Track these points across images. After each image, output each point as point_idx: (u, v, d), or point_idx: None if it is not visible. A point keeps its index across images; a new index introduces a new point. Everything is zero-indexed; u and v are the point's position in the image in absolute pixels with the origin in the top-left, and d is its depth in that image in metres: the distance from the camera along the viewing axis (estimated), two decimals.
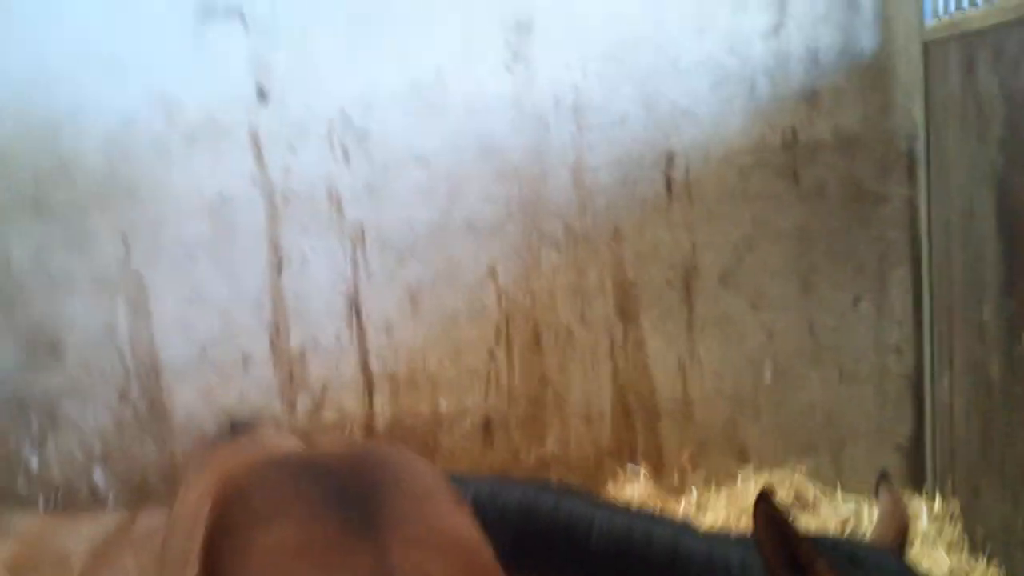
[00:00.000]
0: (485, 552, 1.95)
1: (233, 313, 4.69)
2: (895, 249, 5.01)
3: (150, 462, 4.63)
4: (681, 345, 5.06)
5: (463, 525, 1.97)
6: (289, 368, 4.73)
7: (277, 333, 4.72)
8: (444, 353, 4.90)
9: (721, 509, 4.77)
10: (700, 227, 5.00)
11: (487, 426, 4.94)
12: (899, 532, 3.09)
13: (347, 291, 4.77)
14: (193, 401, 4.69)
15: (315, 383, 4.77)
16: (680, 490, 5.08)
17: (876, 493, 3.25)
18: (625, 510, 3.42)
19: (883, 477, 3.30)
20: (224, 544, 1.89)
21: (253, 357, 4.73)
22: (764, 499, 2.72)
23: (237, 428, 2.56)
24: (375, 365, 4.84)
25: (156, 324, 4.63)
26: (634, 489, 4.85)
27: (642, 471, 5.05)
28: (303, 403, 4.76)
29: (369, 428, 4.81)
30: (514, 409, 4.97)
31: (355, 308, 4.78)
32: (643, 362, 5.04)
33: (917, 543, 4.45)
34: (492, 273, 4.89)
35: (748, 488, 4.94)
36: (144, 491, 4.57)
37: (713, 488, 5.09)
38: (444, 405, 4.90)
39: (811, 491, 4.94)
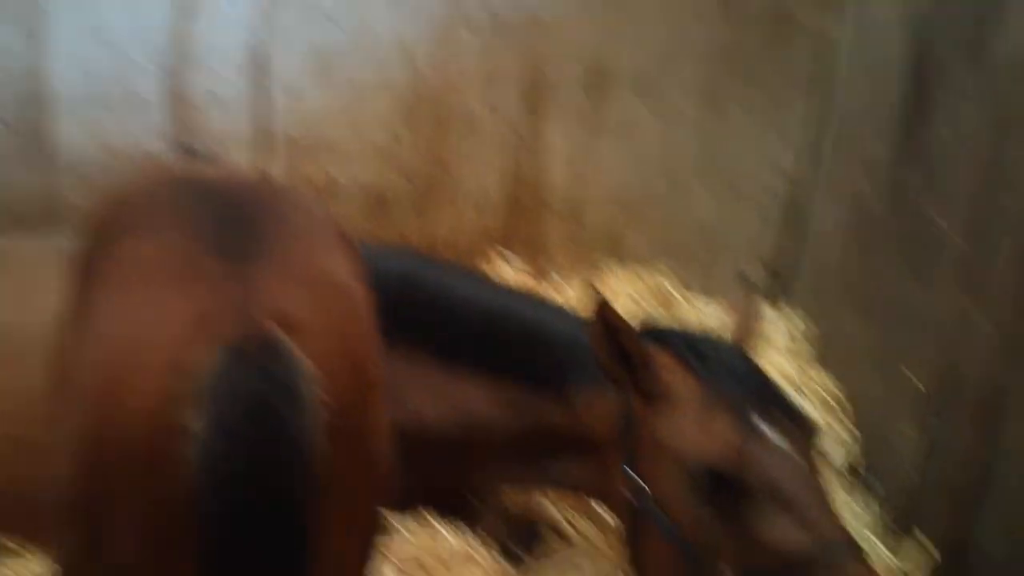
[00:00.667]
0: (359, 299, 1.89)
1: (132, 53, 4.46)
2: (807, 80, 5.09)
3: (30, 193, 4.47)
4: (582, 146, 5.11)
5: (343, 269, 1.89)
6: (184, 116, 4.63)
7: (175, 79, 4.58)
8: (347, 123, 4.83)
9: (592, 303, 4.96)
10: (621, 32, 4.98)
11: (381, 202, 4.97)
12: (749, 330, 3.33)
13: (255, 46, 4.62)
14: (79, 137, 4.51)
15: (209, 135, 4.62)
16: (558, 286, 5.27)
17: (736, 289, 3.46)
18: (498, 285, 3.57)
19: (743, 277, 3.50)
20: (95, 255, 1.85)
21: (148, 101, 4.55)
22: (601, 307, 2.87)
23: (188, 153, 2.44)
24: (274, 126, 4.74)
25: (51, 54, 4.43)
26: (514, 279, 5.02)
27: (522, 264, 5.21)
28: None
29: None
30: (409, 188, 4.99)
31: (261, 65, 4.67)
32: (542, 158, 5.11)
33: (769, 354, 4.76)
34: (407, 50, 4.80)
35: (619, 286, 5.17)
36: (22, 221, 4.43)
37: (588, 284, 5.29)
38: (339, 175, 4.89)
39: (677, 293, 5.19)
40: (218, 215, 1.81)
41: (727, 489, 2.74)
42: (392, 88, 4.85)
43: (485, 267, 5.07)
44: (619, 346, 2.92)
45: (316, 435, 1.54)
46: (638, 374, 2.95)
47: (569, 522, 3.56)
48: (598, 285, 5.20)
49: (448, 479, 3.46)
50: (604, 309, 2.88)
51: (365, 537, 1.92)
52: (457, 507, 3.50)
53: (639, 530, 2.94)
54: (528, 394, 3.24)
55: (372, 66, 4.79)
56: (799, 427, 2.88)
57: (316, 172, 4.85)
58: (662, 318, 4.41)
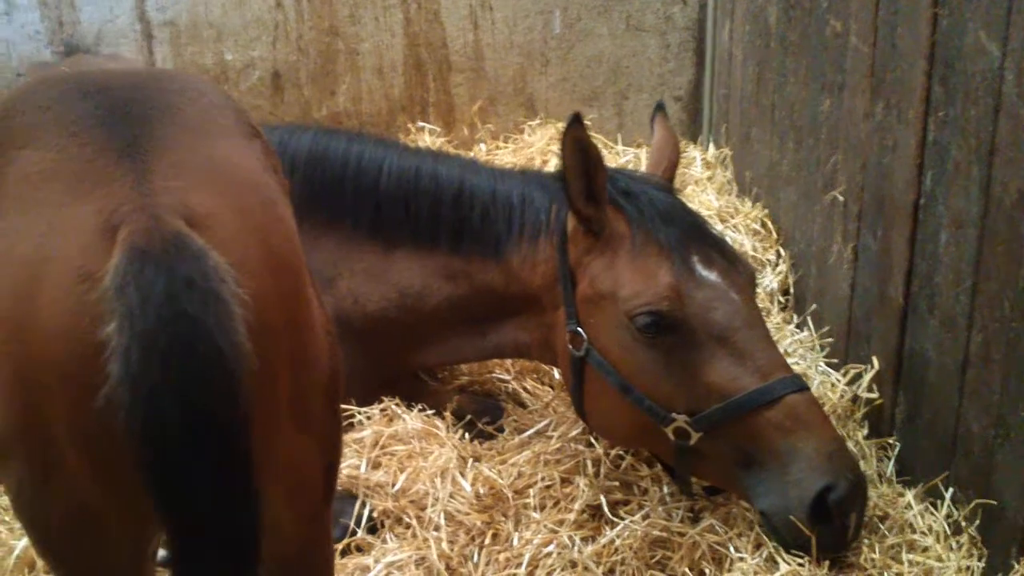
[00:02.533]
0: (270, 188, 1.79)
1: None
2: None
3: None
4: None
5: (249, 158, 1.79)
6: (58, 13, 4.38)
7: None
8: (227, 0, 4.65)
9: (509, 159, 4.94)
10: None
11: (276, 79, 4.81)
12: (670, 164, 3.29)
13: None
14: None
15: (87, 30, 4.41)
16: (470, 143, 5.20)
17: (651, 124, 3.42)
18: (414, 151, 3.47)
19: (658, 108, 3.44)
20: None
21: (19, 3, 4.30)
22: (574, 123, 2.79)
23: (69, 51, 2.30)
24: (152, 12, 4.50)
25: None
26: (425, 143, 4.93)
27: (435, 127, 5.12)
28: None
29: None
30: (304, 61, 4.83)
31: None
32: (435, 11, 4.94)
33: (690, 188, 4.77)
34: None
35: (534, 140, 5.11)
36: None
37: (501, 140, 5.24)
38: (229, 56, 4.71)
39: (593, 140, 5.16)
40: (107, 113, 1.70)
41: (668, 332, 2.75)
42: None
43: (399, 136, 4.96)
44: (588, 175, 2.83)
45: (235, 333, 1.48)
46: (599, 207, 2.88)
47: (531, 393, 3.58)
48: (515, 142, 5.14)
49: (399, 361, 3.43)
50: (576, 129, 2.78)
51: (321, 434, 1.87)
52: (417, 391, 3.48)
53: (584, 379, 2.95)
54: (463, 260, 3.20)
55: None
56: (735, 267, 2.89)
57: (203, 56, 4.66)
58: None
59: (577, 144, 2.80)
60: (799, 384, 2.73)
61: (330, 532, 2.03)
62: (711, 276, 2.82)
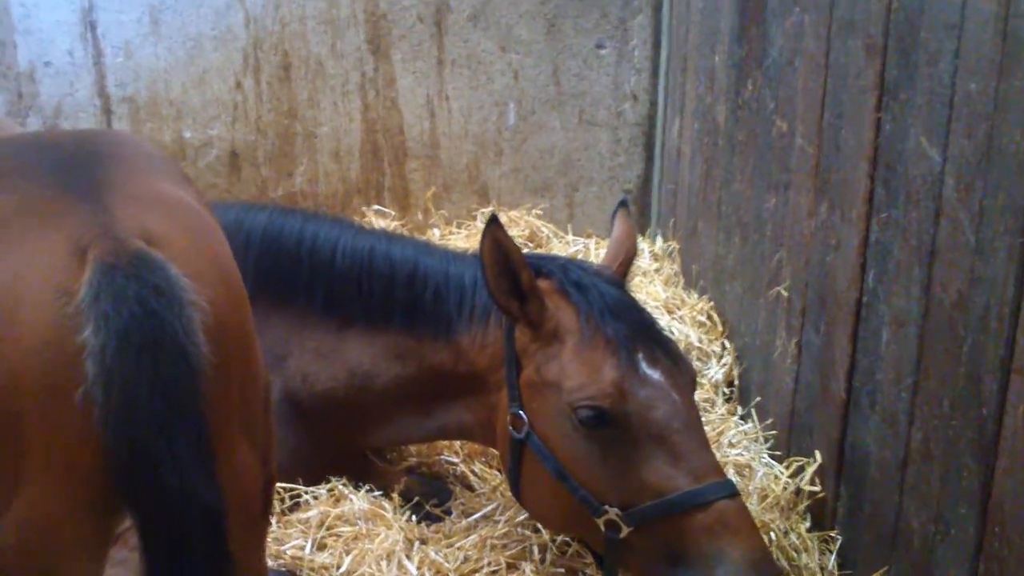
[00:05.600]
0: (207, 218, 2.00)
1: None
2: None
3: None
4: (430, 83, 5.09)
5: (186, 196, 2.01)
6: (18, 88, 4.42)
7: (4, 48, 4.35)
8: (188, 79, 4.67)
9: (462, 244, 4.99)
10: None
11: (234, 158, 4.86)
12: (626, 260, 3.35)
13: (81, 6, 4.44)
14: None
15: (47, 105, 4.44)
16: (424, 228, 5.26)
17: (612, 220, 3.48)
18: (369, 232, 3.51)
19: (622, 204, 3.51)
20: None
21: None
22: (492, 224, 2.86)
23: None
24: (112, 88, 4.55)
25: None
26: (380, 226, 4.97)
27: (389, 210, 5.19)
28: (34, 124, 4.43)
29: None
30: (262, 141, 4.88)
31: (90, 25, 4.46)
32: (392, 99, 5.05)
33: (638, 279, 4.85)
34: None
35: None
36: None
37: (455, 226, 5.31)
38: (188, 134, 4.75)
39: (544, 230, 5.26)
40: (62, 162, 1.92)
41: (608, 426, 2.78)
42: (229, 37, 4.72)
43: (355, 218, 5.00)
44: (509, 272, 2.90)
45: (197, 334, 1.69)
46: (527, 303, 2.94)
47: (479, 476, 3.58)
48: (468, 228, 5.21)
49: (346, 441, 3.43)
50: (494, 230, 2.84)
51: (263, 446, 2.03)
52: (365, 472, 3.47)
53: (522, 461, 2.96)
54: (415, 340, 3.22)
55: (206, 17, 4.67)
56: (678, 366, 2.93)
57: (162, 132, 4.70)
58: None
59: (496, 245, 2.85)
60: (731, 490, 2.76)
61: (264, 548, 2.18)
62: (654, 375, 2.85)
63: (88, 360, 1.62)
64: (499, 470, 3.64)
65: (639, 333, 2.92)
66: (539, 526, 3.21)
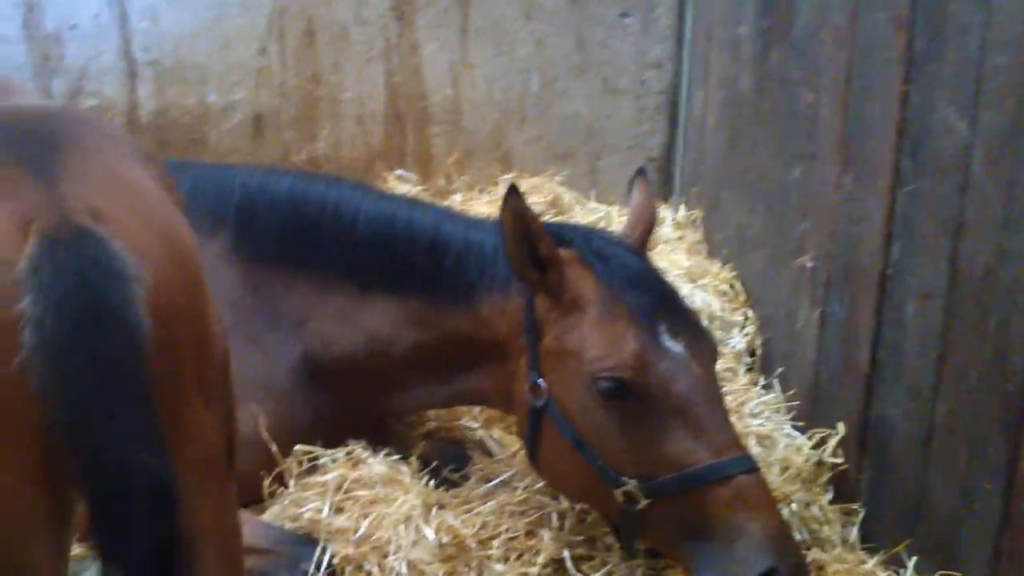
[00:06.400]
0: (162, 199, 2.01)
1: None
2: None
3: None
4: (454, 50, 5.05)
5: (142, 177, 2.03)
6: (44, 49, 4.43)
7: (31, 11, 4.36)
8: (212, 44, 4.65)
9: (484, 211, 4.98)
10: None
11: (257, 122, 4.85)
12: (646, 228, 3.33)
13: None
14: None
15: (72, 67, 4.44)
16: (446, 194, 5.24)
17: (630, 189, 3.46)
18: (391, 198, 3.51)
19: (639, 172, 3.48)
20: None
21: (5, 36, 4.34)
22: (511, 194, 2.86)
23: None
24: (138, 52, 4.54)
25: None
26: (402, 191, 4.96)
27: (412, 175, 5.18)
28: (59, 87, 4.45)
29: (132, 117, 4.59)
30: (285, 106, 4.86)
31: None
32: (416, 65, 5.02)
33: (660, 247, 4.83)
34: None
35: None
36: None
37: (477, 192, 5.30)
38: (212, 98, 4.74)
39: (566, 197, 5.23)
40: (18, 139, 1.92)
41: (628, 398, 2.77)
42: (254, 2, 4.70)
43: (377, 183, 5.00)
44: (529, 242, 2.90)
45: (135, 306, 1.70)
46: (547, 273, 2.93)
47: (498, 442, 3.58)
48: (490, 194, 5.20)
49: (365, 404, 3.43)
50: (514, 200, 2.84)
51: (222, 408, 2.06)
52: (383, 436, 3.48)
53: (540, 430, 2.96)
54: (433, 308, 3.21)
55: None
56: (700, 339, 2.92)
57: (186, 96, 4.70)
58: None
59: (515, 215, 2.85)
60: (751, 465, 2.75)
61: (235, 502, 2.20)
62: (676, 347, 2.83)
63: (26, 329, 1.63)
64: (518, 436, 3.65)
65: (661, 304, 2.91)
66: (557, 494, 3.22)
